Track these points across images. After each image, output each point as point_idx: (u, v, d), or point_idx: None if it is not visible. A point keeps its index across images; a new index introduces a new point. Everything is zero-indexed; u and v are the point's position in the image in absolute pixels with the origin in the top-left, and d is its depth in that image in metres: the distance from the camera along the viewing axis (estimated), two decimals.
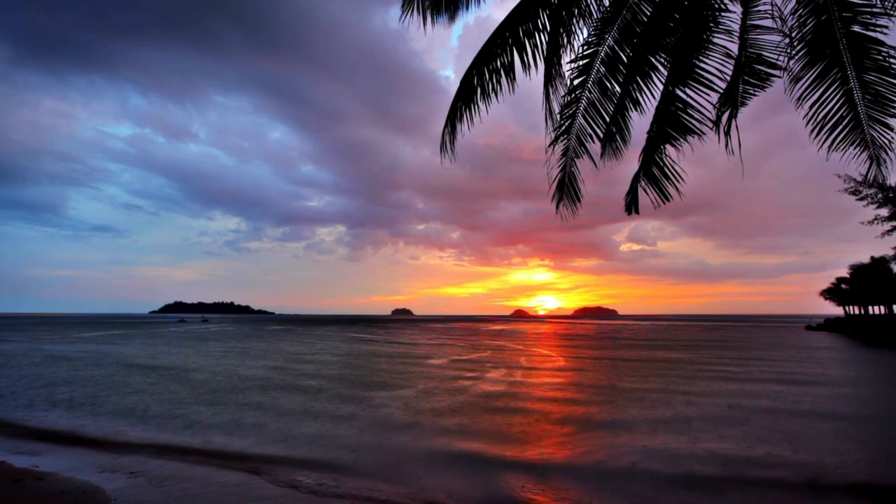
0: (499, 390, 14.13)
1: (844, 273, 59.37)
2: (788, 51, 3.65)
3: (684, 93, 3.95)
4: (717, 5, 3.76)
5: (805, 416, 10.57)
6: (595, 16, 4.13)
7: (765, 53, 3.77)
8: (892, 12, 3.25)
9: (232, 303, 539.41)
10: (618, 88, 4.27)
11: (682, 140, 4.04)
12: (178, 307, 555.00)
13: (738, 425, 9.65)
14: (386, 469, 7.14)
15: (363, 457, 7.74)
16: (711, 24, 3.79)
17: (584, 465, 7.26)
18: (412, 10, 4.24)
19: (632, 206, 4.37)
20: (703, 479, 6.64)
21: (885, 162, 3.60)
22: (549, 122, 4.22)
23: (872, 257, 53.48)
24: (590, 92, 4.36)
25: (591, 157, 4.49)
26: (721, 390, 13.93)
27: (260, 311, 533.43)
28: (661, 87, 4.06)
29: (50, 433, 9.21)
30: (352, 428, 9.65)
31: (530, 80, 4.13)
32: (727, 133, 3.80)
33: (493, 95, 4.20)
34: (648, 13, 4.05)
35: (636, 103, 4.24)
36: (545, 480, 6.65)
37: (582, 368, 19.80)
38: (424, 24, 4.24)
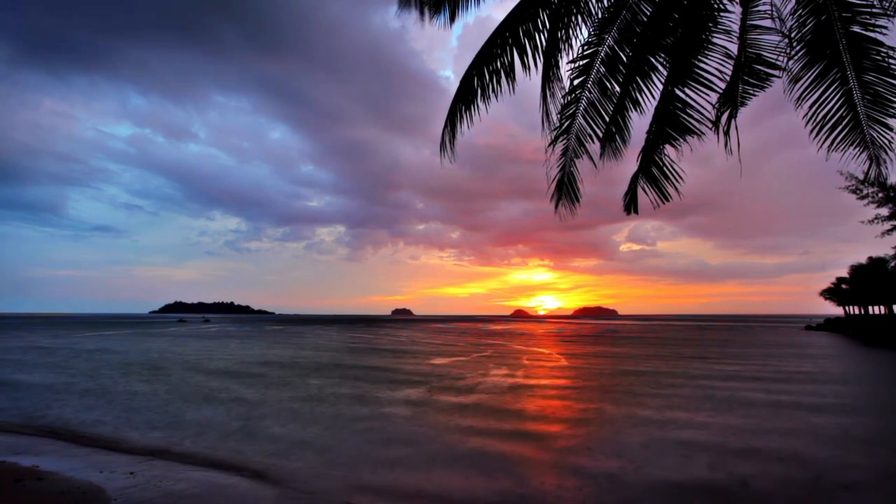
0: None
1: (844, 273, 59.49)
2: (788, 51, 3.66)
3: (684, 93, 3.96)
4: (716, 5, 3.76)
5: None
6: (595, 16, 4.13)
7: (764, 53, 3.78)
8: (891, 13, 3.25)
9: (232, 303, 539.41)
10: (617, 88, 4.27)
11: (681, 140, 4.05)
12: (178, 307, 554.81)
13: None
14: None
15: (345, 460, 7.74)
16: (711, 25, 3.80)
17: None
18: (409, 7, 4.24)
19: (631, 206, 4.37)
20: None
21: (884, 162, 3.61)
22: (549, 123, 4.22)
23: (870, 258, 53.52)
24: (590, 92, 4.36)
25: (590, 157, 4.49)
26: (717, 424, 9.75)
27: (260, 311, 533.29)
28: (660, 87, 4.07)
29: None
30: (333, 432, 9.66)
31: (530, 79, 4.13)
32: (727, 133, 3.81)
33: (492, 96, 4.20)
34: (648, 13, 4.05)
35: (636, 103, 4.24)
36: None
37: (578, 386, 15.19)
38: (422, 19, 4.24)
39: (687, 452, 7.79)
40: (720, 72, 3.84)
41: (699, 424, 9.70)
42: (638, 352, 26.89)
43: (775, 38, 3.70)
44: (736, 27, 3.76)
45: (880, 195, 27.94)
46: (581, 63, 4.24)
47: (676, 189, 4.15)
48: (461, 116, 4.31)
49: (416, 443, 8.52)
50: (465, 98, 4.27)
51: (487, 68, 4.14)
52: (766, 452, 7.82)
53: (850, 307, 66.42)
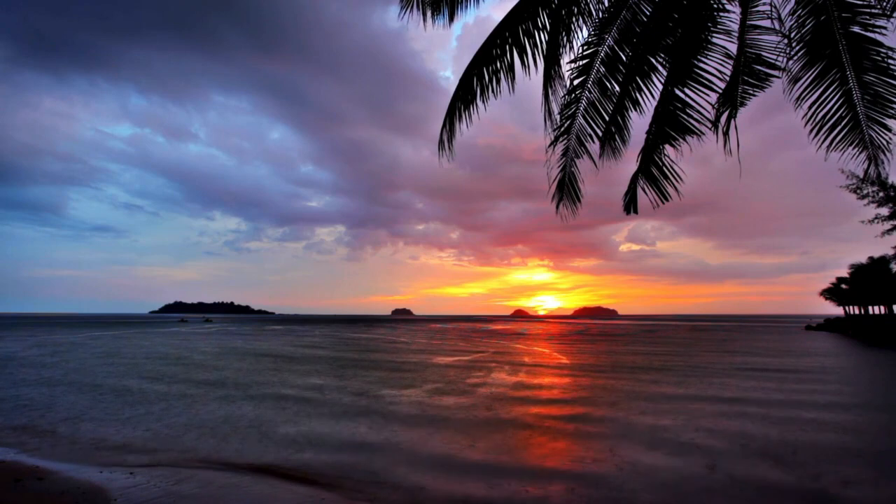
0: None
1: (844, 273, 59.51)
2: (787, 51, 3.66)
3: (683, 93, 3.96)
4: (716, 5, 3.76)
5: None
6: (595, 16, 4.14)
7: (764, 54, 3.78)
8: (889, 13, 3.25)
9: (232, 303, 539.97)
10: (617, 88, 4.27)
11: (681, 140, 4.05)
12: (178, 307, 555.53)
13: None
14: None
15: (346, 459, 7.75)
16: (710, 25, 3.80)
17: None
18: (411, 8, 4.25)
19: (631, 205, 4.37)
20: None
21: (882, 162, 3.61)
22: (549, 123, 4.22)
23: (871, 257, 53.53)
24: (590, 92, 4.36)
25: (591, 157, 4.50)
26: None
27: (260, 311, 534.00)
28: (660, 87, 4.07)
29: None
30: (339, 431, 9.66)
31: (530, 79, 4.14)
32: (726, 133, 3.81)
33: (492, 95, 4.20)
34: (648, 13, 4.05)
35: (636, 103, 4.24)
36: None
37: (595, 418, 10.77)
38: (424, 21, 4.26)
39: None
40: (720, 72, 3.84)
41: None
42: (645, 360, 24.34)
43: (775, 38, 3.71)
44: (736, 27, 3.77)
45: (881, 195, 27.97)
46: (581, 63, 4.24)
47: (676, 189, 4.15)
48: (460, 116, 4.32)
49: None
50: (465, 98, 4.27)
51: (487, 68, 4.14)
52: None
53: (850, 307, 66.43)
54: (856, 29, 3.40)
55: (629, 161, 4.39)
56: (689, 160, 4.06)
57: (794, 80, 3.68)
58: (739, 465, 7.15)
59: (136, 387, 14.80)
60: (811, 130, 3.73)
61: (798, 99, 3.70)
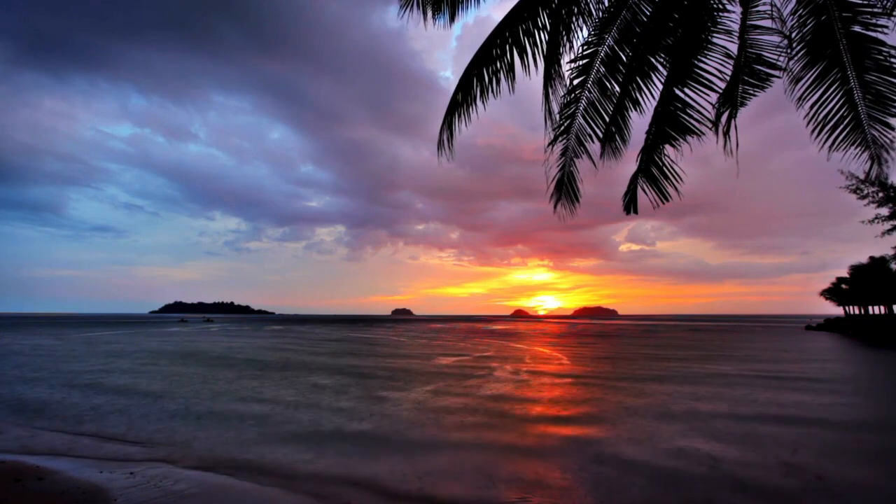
0: None
1: (844, 273, 59.50)
2: (788, 51, 3.65)
3: (684, 93, 3.95)
4: (716, 5, 3.76)
5: None
6: (595, 16, 4.13)
7: (765, 54, 3.77)
8: (890, 12, 3.24)
9: (232, 303, 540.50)
10: (617, 88, 4.27)
11: (681, 140, 4.04)
12: (177, 307, 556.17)
13: None
14: None
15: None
16: (711, 25, 3.80)
17: None
18: (411, 7, 4.25)
19: (631, 205, 4.36)
20: None
21: (886, 162, 3.60)
22: (549, 122, 4.21)
23: (871, 257, 53.53)
24: (589, 92, 4.36)
25: (590, 157, 4.49)
26: None
27: (260, 311, 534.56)
28: (660, 87, 4.06)
29: None
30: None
31: (530, 79, 4.13)
32: (726, 133, 3.80)
33: (491, 95, 4.20)
34: (648, 13, 4.04)
35: (636, 103, 4.24)
36: None
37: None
38: (424, 20, 4.26)
39: None
40: (720, 72, 3.83)
41: None
42: (644, 363, 23.04)
43: (775, 38, 3.70)
44: (736, 27, 3.76)
45: (880, 195, 27.94)
46: (581, 63, 4.23)
47: (676, 189, 4.15)
48: (460, 116, 4.31)
49: None
50: (464, 98, 4.26)
51: (487, 68, 4.13)
52: None
53: (850, 307, 66.40)
54: (857, 28, 3.40)
55: (629, 161, 4.38)
56: (689, 160, 4.05)
57: (795, 80, 3.68)
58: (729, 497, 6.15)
59: (136, 387, 14.79)
60: (813, 130, 3.72)
61: (799, 99, 3.69)
